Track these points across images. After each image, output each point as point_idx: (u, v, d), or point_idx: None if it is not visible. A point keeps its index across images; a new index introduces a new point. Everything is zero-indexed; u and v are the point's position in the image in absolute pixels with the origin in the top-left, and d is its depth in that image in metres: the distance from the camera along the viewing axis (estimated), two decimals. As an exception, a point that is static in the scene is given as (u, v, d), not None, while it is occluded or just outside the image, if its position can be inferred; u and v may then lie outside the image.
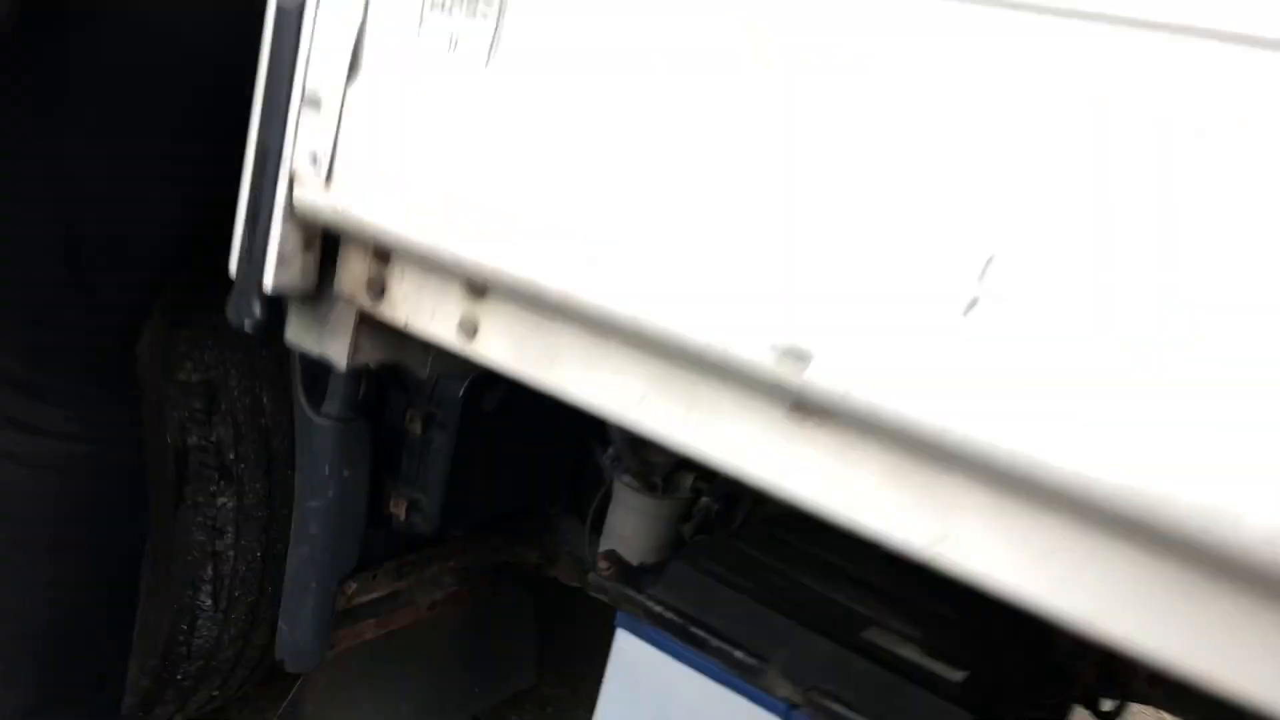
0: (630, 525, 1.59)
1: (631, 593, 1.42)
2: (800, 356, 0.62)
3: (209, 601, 1.71)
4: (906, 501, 0.63)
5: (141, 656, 1.67)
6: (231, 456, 1.70)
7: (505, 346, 0.84)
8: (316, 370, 1.33)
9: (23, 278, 1.26)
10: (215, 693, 1.86)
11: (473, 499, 1.65)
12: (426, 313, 0.89)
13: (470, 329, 0.86)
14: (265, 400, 1.74)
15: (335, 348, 0.99)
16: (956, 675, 1.23)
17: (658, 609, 1.39)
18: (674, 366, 0.72)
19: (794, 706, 1.30)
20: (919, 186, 0.60)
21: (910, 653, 1.27)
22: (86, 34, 1.08)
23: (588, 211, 0.72)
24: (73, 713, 1.43)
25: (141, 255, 1.32)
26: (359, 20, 0.81)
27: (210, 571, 1.69)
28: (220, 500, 1.68)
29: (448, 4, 0.77)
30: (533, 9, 0.73)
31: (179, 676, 1.76)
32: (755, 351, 0.64)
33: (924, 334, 0.58)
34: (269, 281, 0.91)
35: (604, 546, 1.66)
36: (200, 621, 1.72)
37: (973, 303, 0.56)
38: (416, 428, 1.52)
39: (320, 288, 0.96)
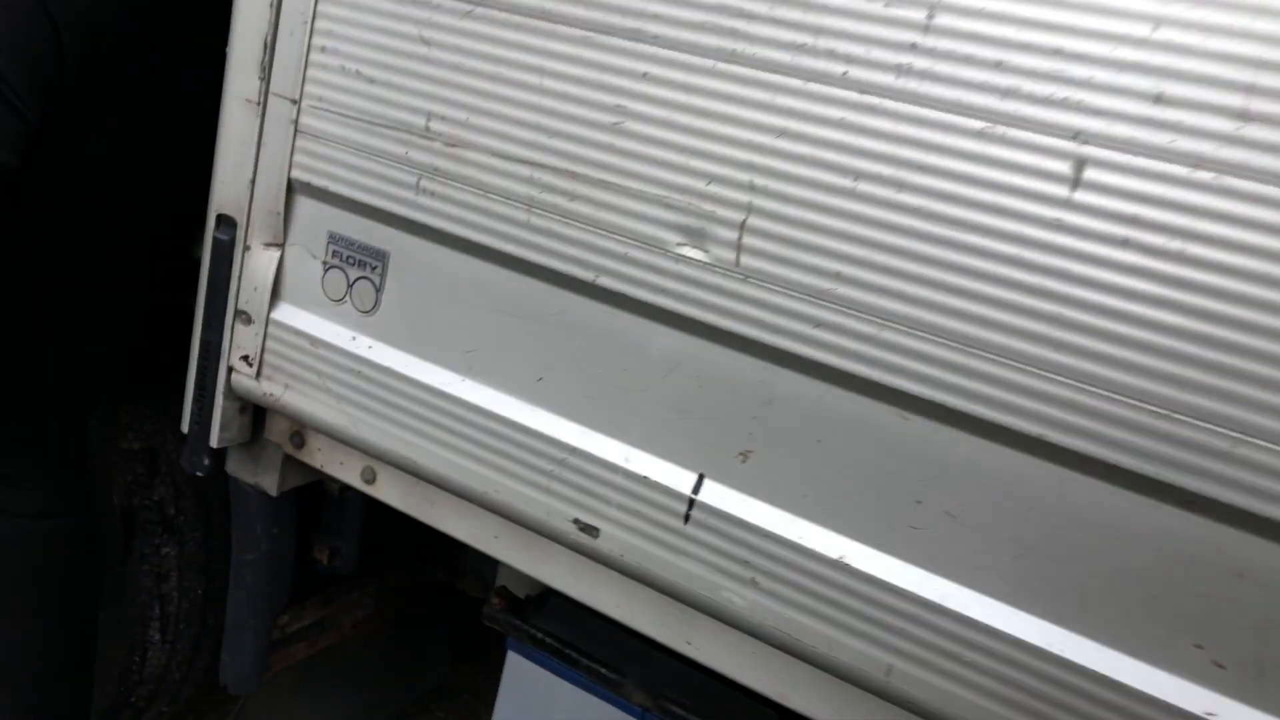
0: (518, 563, 1.90)
1: (519, 622, 1.74)
2: (589, 530, 0.95)
3: (157, 636, 1.97)
4: (657, 617, 0.96)
5: (101, 684, 1.93)
6: (172, 511, 1.95)
7: (396, 494, 1.16)
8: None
9: (-8, 390, 1.51)
10: (164, 709, 2.13)
11: (385, 541, 1.94)
12: (336, 462, 1.20)
13: (370, 477, 1.17)
14: (200, 460, 2.00)
15: (267, 480, 1.28)
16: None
17: (540, 635, 1.71)
18: (516, 525, 1.04)
19: (647, 711, 1.64)
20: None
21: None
22: (46, 209, 1.32)
23: (439, 417, 1.03)
24: (53, 734, 1.71)
25: (93, 367, 1.58)
26: (275, 264, 1.10)
27: (158, 610, 1.95)
28: (164, 550, 1.94)
29: (345, 266, 1.07)
30: (409, 287, 1.05)
31: (133, 699, 2.02)
32: (560, 523, 0.97)
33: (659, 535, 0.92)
34: (214, 439, 1.20)
35: (504, 573, 1.97)
36: (150, 653, 1.98)
37: (689, 511, 0.89)
38: (335, 488, 1.80)
39: (254, 434, 1.25)
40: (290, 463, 1.26)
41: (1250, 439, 0.69)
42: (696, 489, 0.90)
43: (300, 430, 1.20)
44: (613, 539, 0.95)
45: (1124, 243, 0.72)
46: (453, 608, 2.56)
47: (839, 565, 0.85)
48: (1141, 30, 0.70)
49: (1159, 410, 0.72)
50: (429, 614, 2.47)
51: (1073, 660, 0.76)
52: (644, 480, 0.93)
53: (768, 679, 0.95)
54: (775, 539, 0.88)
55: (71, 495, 1.70)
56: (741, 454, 0.90)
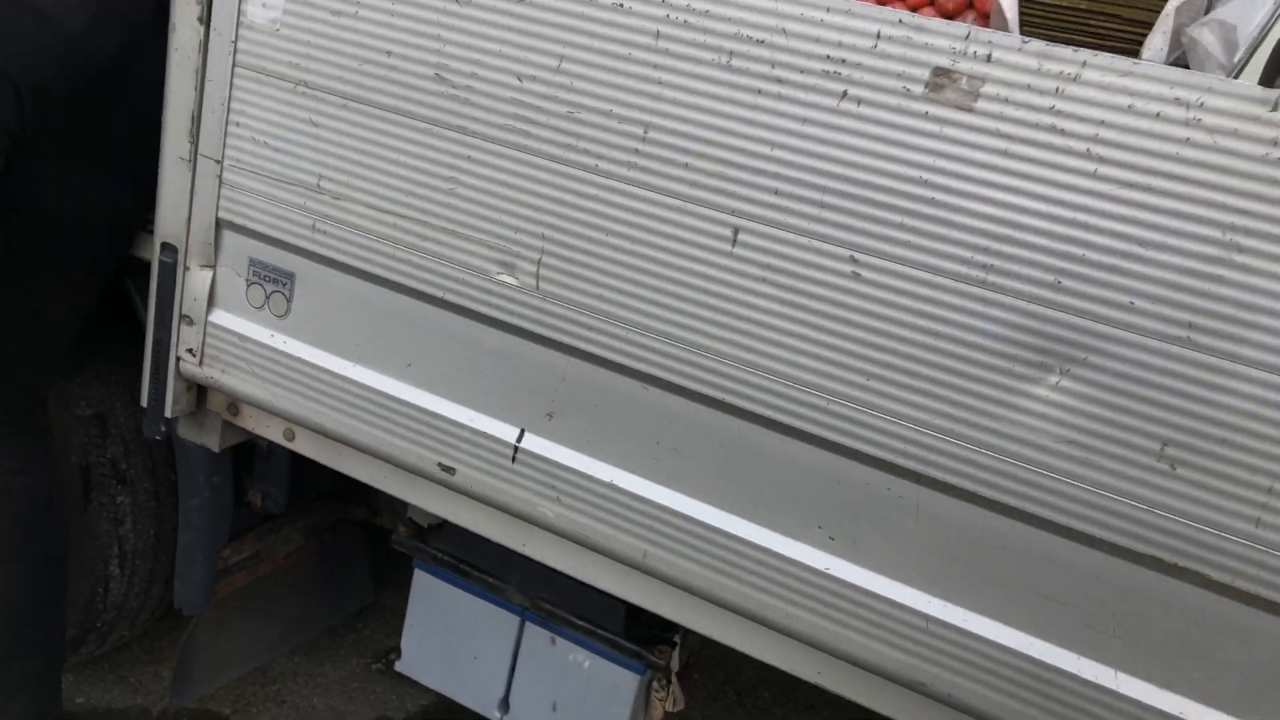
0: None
1: (422, 545, 2.15)
2: (448, 470, 1.37)
3: (117, 571, 2.33)
4: (500, 528, 1.40)
5: (70, 613, 2.29)
6: (124, 466, 2.30)
7: (311, 447, 1.56)
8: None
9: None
10: (125, 633, 2.50)
11: (308, 485, 2.33)
12: (264, 425, 1.59)
13: (290, 436, 1.57)
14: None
15: (210, 440, 1.68)
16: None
17: (439, 554, 2.12)
18: (400, 468, 1.46)
19: (526, 609, 2.07)
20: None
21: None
22: (9, 228, 1.65)
23: (337, 392, 1.44)
24: (35, 657, 2.08)
25: (48, 352, 1.93)
26: (210, 281, 1.48)
27: (116, 550, 2.31)
28: (119, 499, 2.29)
29: (262, 282, 1.45)
30: (311, 298, 1.43)
31: (98, 625, 2.39)
32: (428, 465, 1.39)
33: (496, 471, 1.34)
34: (168, 411, 1.58)
35: (413, 509, 2.37)
36: (111, 585, 2.34)
37: (515, 453, 1.32)
38: (264, 444, 2.18)
39: (198, 405, 1.63)
40: (228, 426, 1.65)
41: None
42: (520, 439, 1.33)
43: (235, 402, 1.59)
44: (465, 475, 1.38)
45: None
46: (376, 542, 2.95)
47: (610, 486, 1.29)
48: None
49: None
50: (353, 547, 2.87)
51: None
52: (483, 434, 1.36)
53: (572, 565, 1.39)
54: (571, 470, 1.31)
55: (35, 456, 2.05)
56: (548, 414, 1.32)
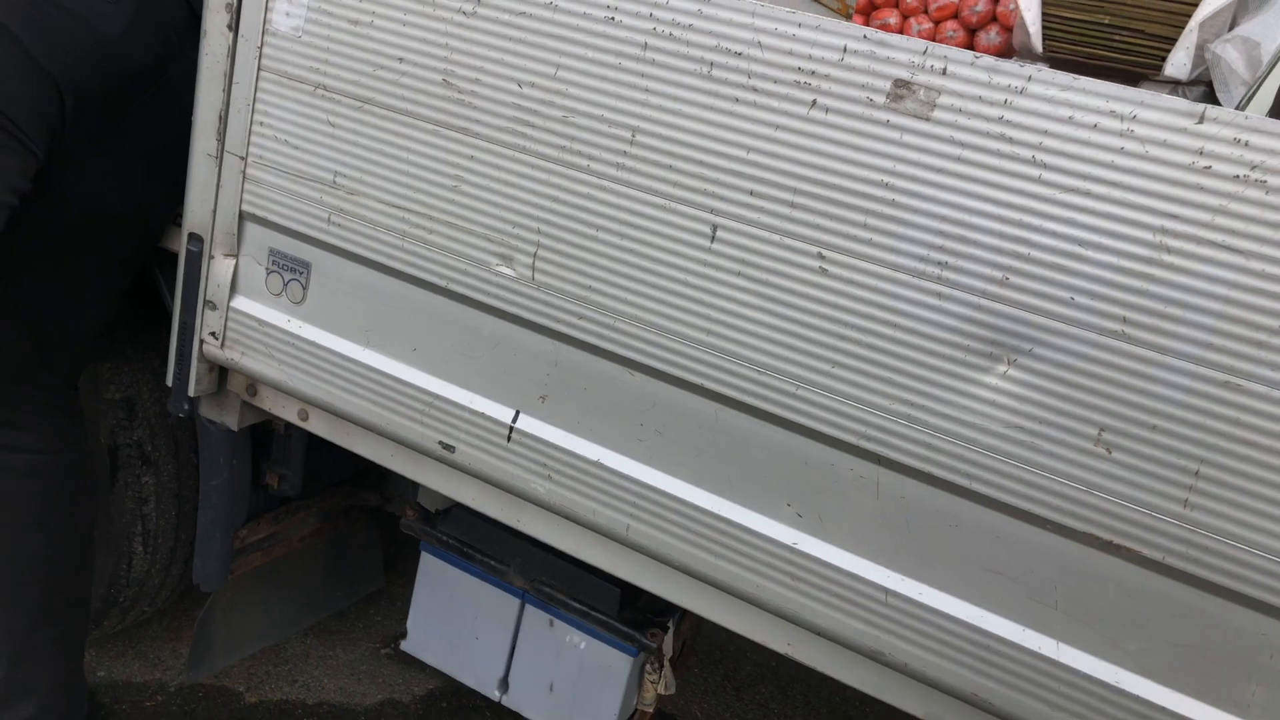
0: (429, 484, 2.41)
1: (429, 529, 2.25)
2: (449, 448, 1.47)
3: (140, 548, 2.45)
4: (497, 504, 1.50)
5: (94, 588, 2.41)
6: (149, 448, 2.42)
7: (322, 426, 1.67)
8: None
9: (4, 355, 1.97)
10: (146, 608, 2.62)
11: (323, 470, 2.44)
12: (279, 406, 1.70)
13: (304, 416, 1.67)
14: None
15: (230, 419, 1.79)
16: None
17: (444, 538, 2.22)
18: (405, 446, 1.56)
19: (525, 591, 2.16)
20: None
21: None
22: (46, 217, 1.77)
23: (348, 374, 1.54)
24: (61, 626, 2.20)
25: (81, 337, 2.05)
26: (232, 269, 1.60)
27: (140, 527, 2.43)
28: (144, 479, 2.41)
29: (281, 271, 1.56)
30: (325, 286, 1.54)
31: (121, 600, 2.51)
32: (430, 444, 1.49)
33: (492, 449, 1.44)
34: (191, 390, 1.70)
35: (422, 495, 2.48)
36: (134, 562, 2.46)
37: (510, 433, 1.41)
38: (281, 427, 2.29)
39: (219, 386, 1.75)
40: (246, 406, 1.76)
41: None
42: (515, 420, 1.43)
43: (253, 383, 1.70)
44: (464, 453, 1.48)
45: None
46: (386, 530, 3.06)
47: (597, 464, 1.39)
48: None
49: (758, 369, 1.26)
50: (365, 533, 2.98)
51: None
52: (481, 414, 1.46)
53: (562, 539, 1.49)
54: (562, 450, 1.41)
55: (67, 435, 2.17)
56: (541, 396, 1.42)
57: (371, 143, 1.45)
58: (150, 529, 2.44)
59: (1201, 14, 1.54)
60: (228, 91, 1.55)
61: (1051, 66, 1.17)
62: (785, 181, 1.20)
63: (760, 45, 1.19)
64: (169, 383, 1.75)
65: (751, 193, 1.22)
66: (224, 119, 1.56)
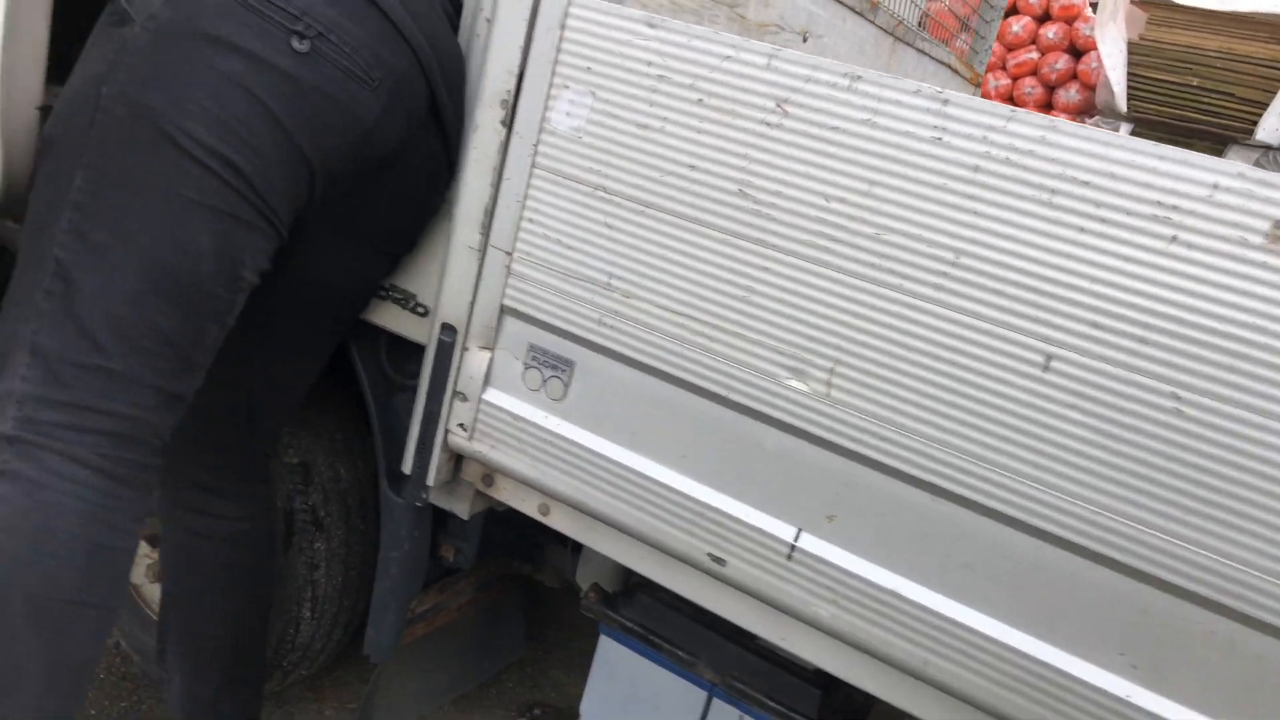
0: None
1: (610, 612, 2.20)
2: (719, 561, 1.43)
3: (308, 613, 2.45)
4: (760, 619, 1.45)
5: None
6: (322, 514, 2.42)
7: (565, 522, 1.64)
8: (394, 466, 2.07)
9: (216, 427, 1.97)
10: (304, 672, 2.61)
11: (496, 543, 2.42)
12: (519, 498, 1.67)
13: (545, 510, 1.64)
14: (343, 472, 2.47)
15: (460, 506, 1.76)
16: (811, 666, 2.06)
17: (628, 623, 2.17)
18: (660, 552, 1.52)
19: (715, 685, 2.10)
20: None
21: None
22: (276, 294, 1.78)
23: (609, 475, 1.51)
24: (243, 691, 2.19)
25: (289, 409, 2.05)
26: (488, 362, 1.58)
27: (310, 593, 2.42)
28: (316, 545, 2.41)
29: (540, 367, 1.54)
30: (589, 385, 1.51)
31: (284, 663, 2.50)
32: (698, 555, 1.45)
33: (769, 566, 1.39)
34: (431, 480, 1.67)
35: (580, 570, 2.43)
36: (301, 626, 2.45)
37: (791, 552, 1.37)
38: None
39: (453, 474, 1.73)
40: (479, 495, 1.73)
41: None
42: (796, 538, 1.38)
43: (490, 473, 1.67)
44: (736, 568, 1.43)
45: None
46: (531, 597, 3.03)
47: (893, 594, 1.33)
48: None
49: (1090, 508, 1.20)
50: (513, 601, 2.95)
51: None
52: (758, 530, 1.41)
53: (836, 665, 1.43)
54: (851, 574, 1.36)
55: (261, 503, 2.18)
56: (829, 516, 1.37)
57: (653, 247, 1.42)
58: (319, 595, 2.44)
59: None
60: (496, 186, 1.53)
61: (1136, 126, 1.11)
62: (1135, 315, 1.15)
63: (1113, 176, 1.15)
64: (406, 470, 1.73)
65: (1095, 325, 1.17)
66: (490, 213, 1.55)
